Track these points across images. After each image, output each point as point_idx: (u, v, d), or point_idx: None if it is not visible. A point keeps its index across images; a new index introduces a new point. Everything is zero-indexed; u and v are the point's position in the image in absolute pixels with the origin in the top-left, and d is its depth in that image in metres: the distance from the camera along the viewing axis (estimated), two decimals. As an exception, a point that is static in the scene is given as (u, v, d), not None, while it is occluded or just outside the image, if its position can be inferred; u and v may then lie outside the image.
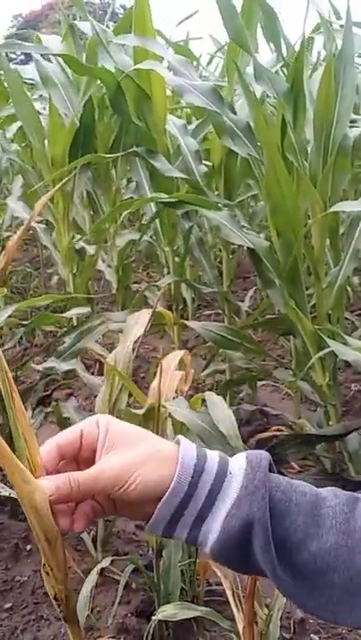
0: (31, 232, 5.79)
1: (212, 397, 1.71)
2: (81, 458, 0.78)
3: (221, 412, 1.66)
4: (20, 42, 3.29)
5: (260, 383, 3.25)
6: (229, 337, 2.43)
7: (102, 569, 1.95)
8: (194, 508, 0.74)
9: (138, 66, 2.73)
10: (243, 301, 4.08)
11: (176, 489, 0.73)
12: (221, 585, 1.94)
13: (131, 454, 0.74)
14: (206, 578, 2.01)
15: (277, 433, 2.73)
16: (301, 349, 2.53)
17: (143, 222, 3.32)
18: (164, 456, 0.75)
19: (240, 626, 1.45)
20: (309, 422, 2.78)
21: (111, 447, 0.75)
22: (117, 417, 1.82)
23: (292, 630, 1.85)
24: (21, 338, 4.06)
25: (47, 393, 3.29)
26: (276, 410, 3.05)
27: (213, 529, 0.73)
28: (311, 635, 1.83)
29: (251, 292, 4.36)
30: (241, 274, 5.09)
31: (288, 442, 2.49)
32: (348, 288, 3.85)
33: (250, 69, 2.64)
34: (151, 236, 3.27)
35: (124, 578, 1.78)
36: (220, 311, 3.48)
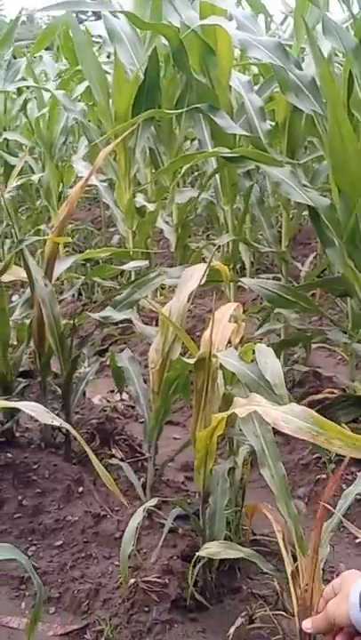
0: (94, 192, 5.87)
1: (261, 348, 1.72)
2: None
3: (270, 361, 1.67)
4: (85, 0, 3.29)
5: (314, 346, 3.23)
6: (285, 295, 2.43)
7: (150, 513, 2.01)
8: None
9: (203, 21, 2.70)
10: (302, 265, 4.05)
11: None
12: (266, 536, 1.99)
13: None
14: (252, 529, 2.05)
15: (330, 395, 2.72)
16: (359, 310, 2.51)
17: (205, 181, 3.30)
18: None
19: (288, 569, 1.48)
20: (363, 386, 2.76)
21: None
22: (169, 367, 1.86)
23: (334, 583, 1.87)
24: (80, 294, 4.14)
25: (104, 347, 3.36)
26: (330, 373, 3.04)
27: None
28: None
29: (310, 258, 4.31)
30: (302, 240, 5.03)
31: (339, 402, 2.50)
32: None
33: (319, 27, 2.58)
34: (211, 195, 3.26)
35: (169, 519, 1.82)
36: (278, 275, 3.46)
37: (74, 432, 1.35)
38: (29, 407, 1.30)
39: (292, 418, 1.38)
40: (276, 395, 1.61)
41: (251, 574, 1.88)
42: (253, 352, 1.79)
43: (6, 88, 4.42)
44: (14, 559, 1.87)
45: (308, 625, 1.13)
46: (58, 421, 1.30)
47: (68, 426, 1.36)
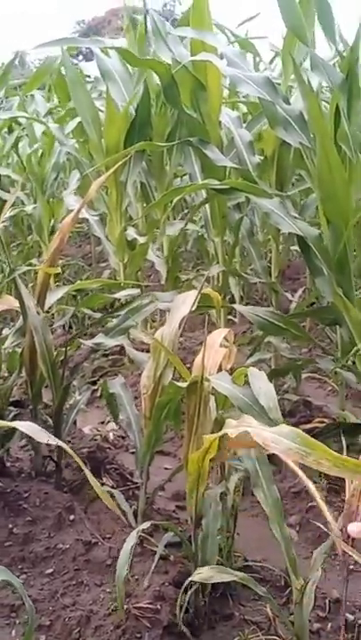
0: (85, 228, 5.93)
1: (254, 372, 1.73)
2: None
3: (263, 385, 1.69)
4: (78, 38, 3.38)
5: (304, 377, 3.25)
6: (276, 322, 2.45)
7: (142, 541, 2.00)
8: None
9: (194, 57, 2.78)
10: (291, 299, 4.09)
11: None
12: (259, 562, 1.98)
13: None
14: (244, 555, 2.04)
15: (320, 425, 2.73)
16: (348, 339, 2.53)
17: (194, 210, 3.35)
18: None
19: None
20: (354, 415, 2.77)
21: None
22: (161, 391, 1.87)
23: (327, 609, 1.86)
24: (70, 327, 4.16)
25: (95, 379, 3.37)
26: (320, 403, 3.05)
27: None
28: (346, 614, 1.83)
29: (300, 292, 4.36)
30: (290, 275, 5.09)
31: (330, 430, 2.50)
32: None
33: (307, 64, 2.66)
34: (202, 227, 3.31)
35: (161, 544, 1.81)
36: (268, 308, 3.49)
37: (69, 450, 1.35)
38: (24, 426, 1.31)
39: (282, 438, 1.39)
40: (270, 419, 1.62)
41: (243, 601, 1.87)
42: (246, 376, 1.81)
43: (1, 116, 4.48)
44: (5, 587, 1.88)
45: (354, 528, 1.15)
46: (53, 440, 1.30)
47: (62, 443, 1.37)
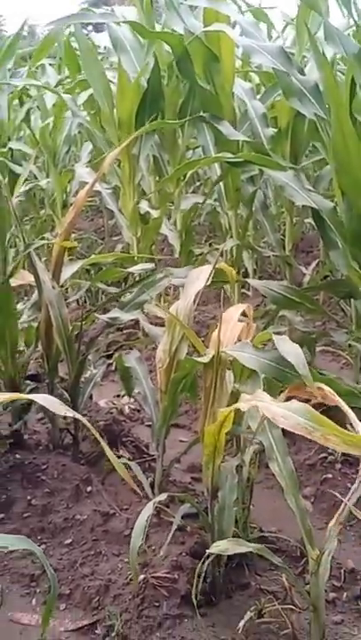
0: (97, 201, 5.91)
1: (278, 336, 1.74)
2: None
3: (289, 346, 1.70)
4: (90, 12, 3.35)
5: (318, 349, 3.25)
6: (290, 296, 2.45)
7: (159, 512, 2.02)
8: None
9: (207, 28, 2.75)
10: (305, 272, 4.07)
11: None
12: (274, 532, 2.00)
13: None
14: (259, 526, 2.06)
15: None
16: (363, 312, 2.54)
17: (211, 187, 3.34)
18: None
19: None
20: (368, 388, 2.77)
21: None
22: (177, 366, 1.88)
23: (342, 579, 1.88)
24: (85, 302, 4.17)
25: (110, 353, 3.38)
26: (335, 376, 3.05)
27: None
28: (362, 584, 1.85)
29: (313, 265, 4.34)
30: (304, 248, 5.06)
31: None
32: None
33: (321, 34, 2.63)
34: (215, 200, 3.30)
35: (178, 515, 1.83)
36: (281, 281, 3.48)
37: (86, 422, 1.37)
38: (41, 399, 1.32)
39: (291, 414, 1.42)
40: (299, 376, 1.63)
41: (259, 571, 1.89)
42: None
43: (15, 83, 4.42)
44: (24, 557, 1.91)
45: None
46: (70, 412, 1.32)
47: (79, 416, 1.39)
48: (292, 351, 1.66)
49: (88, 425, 1.39)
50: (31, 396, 1.43)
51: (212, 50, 2.83)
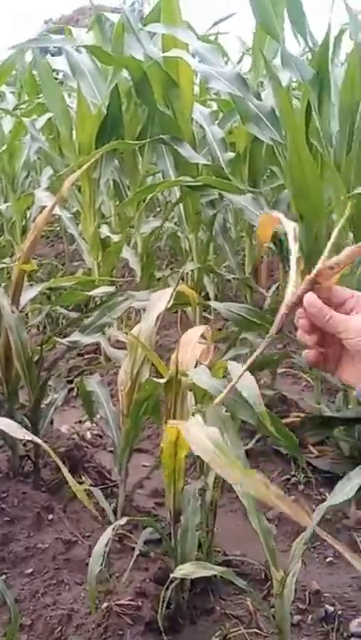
0: (57, 227, 5.90)
1: (233, 365, 1.74)
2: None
3: (243, 377, 1.69)
4: (49, 35, 3.37)
5: (280, 371, 3.27)
6: (252, 318, 2.46)
7: (121, 538, 2.00)
8: None
9: (166, 54, 2.79)
10: (266, 294, 4.10)
11: None
12: (238, 556, 1.99)
13: None
14: (223, 550, 2.05)
15: (297, 419, 2.75)
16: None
17: (170, 209, 3.35)
18: None
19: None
20: (329, 410, 2.79)
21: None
22: (139, 388, 1.87)
23: (307, 601, 1.87)
24: (45, 327, 4.14)
25: (70, 378, 3.36)
26: (296, 397, 3.07)
27: None
28: (326, 606, 1.85)
29: (274, 288, 4.37)
30: (265, 270, 5.10)
31: (307, 423, 2.52)
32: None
33: (277, 61, 2.67)
34: (175, 223, 3.31)
35: (140, 540, 1.81)
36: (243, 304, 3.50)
37: (46, 447, 1.34)
38: (1, 422, 1.30)
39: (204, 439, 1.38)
40: (253, 412, 1.63)
41: (223, 595, 1.87)
42: (224, 370, 1.81)
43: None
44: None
45: (309, 297, 0.95)
46: (30, 436, 1.29)
47: (38, 439, 1.36)
48: (247, 385, 1.65)
49: (49, 450, 1.37)
50: (-11, 421, 1.40)
51: (171, 75, 2.86)
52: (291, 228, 1.05)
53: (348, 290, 0.99)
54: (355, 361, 0.96)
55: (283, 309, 0.93)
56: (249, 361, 0.95)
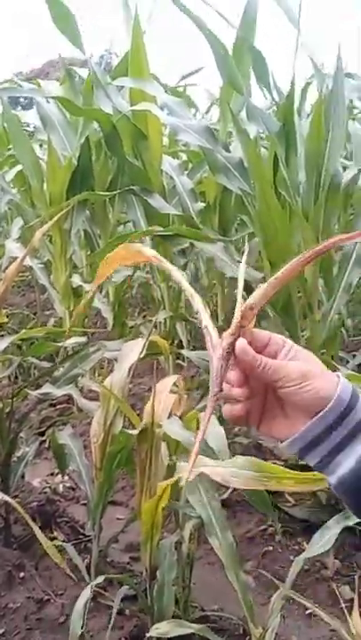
0: (28, 276, 5.89)
1: (204, 416, 1.72)
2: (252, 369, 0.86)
3: (213, 429, 1.68)
4: (19, 85, 3.41)
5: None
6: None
7: (95, 596, 1.94)
8: (335, 437, 0.82)
9: (134, 107, 2.83)
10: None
11: (332, 410, 0.82)
12: (216, 611, 1.94)
13: (312, 367, 0.86)
14: (201, 605, 2.00)
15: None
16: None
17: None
18: (330, 381, 0.85)
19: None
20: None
21: (294, 358, 0.87)
22: (112, 440, 1.84)
23: (286, 656, 1.83)
24: (17, 377, 4.08)
25: (42, 429, 3.30)
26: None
27: (346, 463, 0.82)
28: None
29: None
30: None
31: (283, 472, 2.50)
32: (343, 330, 3.89)
33: (243, 114, 2.73)
34: (147, 272, 3.33)
35: (117, 599, 1.76)
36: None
37: (17, 506, 1.31)
38: (-29, 481, 1.27)
39: (240, 471, 1.40)
40: (221, 461, 1.61)
41: (202, 652, 1.82)
42: (198, 421, 1.80)
43: None
44: None
45: (241, 344, 0.86)
46: (0, 495, 1.26)
47: (8, 498, 1.33)
48: (214, 435, 1.65)
49: (19, 508, 1.33)
50: None
51: (140, 128, 2.91)
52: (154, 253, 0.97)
53: (264, 331, 0.90)
54: (286, 411, 0.87)
55: (216, 363, 0.84)
56: (202, 426, 0.86)
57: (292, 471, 1.32)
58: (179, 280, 0.91)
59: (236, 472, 1.35)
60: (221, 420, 2.80)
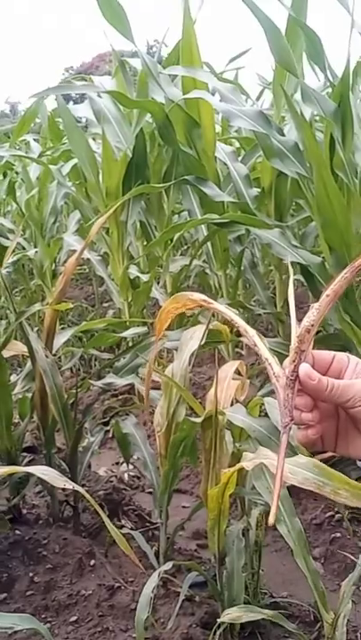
0: (86, 269, 5.96)
1: (270, 401, 1.72)
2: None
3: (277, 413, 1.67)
4: (72, 82, 3.44)
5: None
6: (284, 352, 2.43)
7: (165, 582, 1.97)
8: None
9: (186, 95, 2.82)
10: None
11: None
12: (286, 597, 1.94)
13: None
14: (270, 592, 2.00)
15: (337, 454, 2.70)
16: (358, 364, 2.52)
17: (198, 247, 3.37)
18: None
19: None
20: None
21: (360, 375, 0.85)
22: (176, 428, 1.85)
23: (358, 642, 1.82)
24: (79, 370, 4.15)
25: (106, 420, 3.34)
26: None
27: None
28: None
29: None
30: (295, 304, 5.08)
31: (347, 459, 2.47)
32: None
33: (298, 96, 2.70)
34: (204, 261, 3.32)
35: (185, 585, 1.77)
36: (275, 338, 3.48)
37: (86, 494, 1.33)
38: (41, 471, 1.29)
39: (299, 469, 1.39)
40: (292, 449, 1.60)
41: (272, 638, 1.82)
42: (261, 407, 1.80)
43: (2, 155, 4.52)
44: (29, 638, 1.84)
45: (305, 369, 0.83)
46: (69, 484, 1.29)
47: (79, 487, 1.35)
48: (294, 429, 1.63)
49: (88, 497, 1.36)
50: (29, 469, 1.39)
51: (193, 116, 2.90)
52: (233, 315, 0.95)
53: (326, 352, 0.87)
54: None
55: (283, 393, 0.81)
56: (280, 459, 0.79)
57: (351, 482, 1.30)
58: (231, 317, 0.90)
59: (295, 470, 1.34)
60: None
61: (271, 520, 0.78)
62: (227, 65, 5.06)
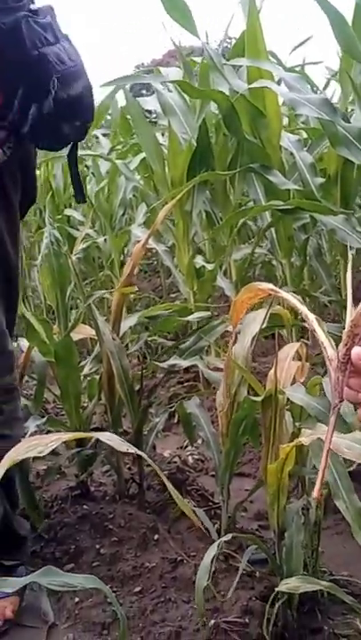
0: (154, 262, 6.05)
1: (327, 381, 1.74)
2: None
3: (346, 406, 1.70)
4: (139, 74, 3.52)
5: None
6: (347, 338, 2.44)
7: (227, 557, 2.02)
8: None
9: (252, 85, 2.85)
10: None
11: None
12: (346, 576, 1.96)
13: None
14: (330, 570, 2.03)
15: None
16: None
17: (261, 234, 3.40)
18: None
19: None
20: None
21: None
22: (237, 408, 1.90)
23: None
24: (145, 356, 4.24)
25: (171, 405, 3.42)
26: None
27: None
28: None
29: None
30: (359, 295, 5.04)
31: None
32: None
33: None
34: (268, 250, 3.35)
35: (245, 557, 1.82)
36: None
37: (150, 461, 1.40)
38: (105, 437, 1.36)
39: (355, 444, 1.42)
40: (347, 423, 1.63)
41: (331, 615, 1.85)
42: (321, 388, 1.82)
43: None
44: (95, 607, 1.92)
45: (357, 350, 0.83)
46: (133, 449, 1.35)
47: (143, 454, 1.42)
48: (348, 407, 1.66)
49: (155, 467, 1.42)
50: (94, 434, 1.47)
51: (258, 106, 2.93)
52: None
53: None
54: None
55: (334, 375, 0.83)
56: (325, 447, 0.82)
57: None
58: (294, 304, 0.94)
59: (351, 445, 1.37)
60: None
61: (315, 494, 0.81)
62: (290, 52, 5.07)
